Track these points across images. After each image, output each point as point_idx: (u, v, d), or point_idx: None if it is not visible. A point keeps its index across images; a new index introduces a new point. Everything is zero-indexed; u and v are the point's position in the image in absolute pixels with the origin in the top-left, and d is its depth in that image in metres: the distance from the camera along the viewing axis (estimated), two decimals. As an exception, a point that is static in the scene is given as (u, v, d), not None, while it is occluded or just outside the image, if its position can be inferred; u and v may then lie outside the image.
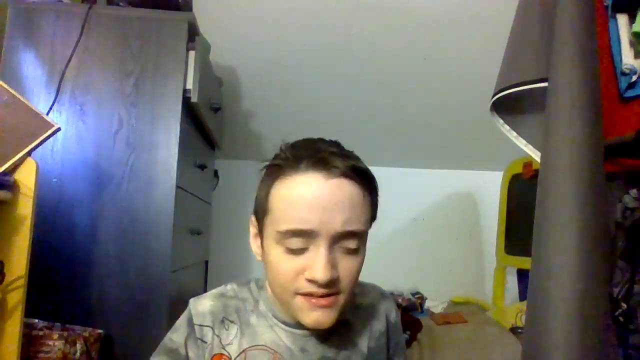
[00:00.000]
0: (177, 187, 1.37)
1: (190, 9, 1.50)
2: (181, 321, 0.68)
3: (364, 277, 0.70)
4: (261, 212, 0.67)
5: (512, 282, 2.52)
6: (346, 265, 0.62)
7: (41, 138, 1.02)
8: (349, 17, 1.91)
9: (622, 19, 0.92)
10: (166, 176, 1.35)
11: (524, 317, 2.52)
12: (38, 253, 1.02)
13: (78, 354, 1.14)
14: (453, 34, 1.94)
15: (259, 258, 0.68)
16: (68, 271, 1.29)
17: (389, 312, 0.75)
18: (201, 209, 1.86)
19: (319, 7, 1.86)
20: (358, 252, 0.63)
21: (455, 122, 2.33)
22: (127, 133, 1.35)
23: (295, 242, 0.61)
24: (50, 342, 1.08)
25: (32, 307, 1.02)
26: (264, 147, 2.56)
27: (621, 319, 0.78)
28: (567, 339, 0.73)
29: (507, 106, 1.04)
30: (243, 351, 0.64)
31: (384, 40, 1.99)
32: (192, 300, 0.70)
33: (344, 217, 0.60)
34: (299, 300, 0.62)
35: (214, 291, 0.71)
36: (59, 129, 1.05)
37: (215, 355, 0.64)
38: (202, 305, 0.68)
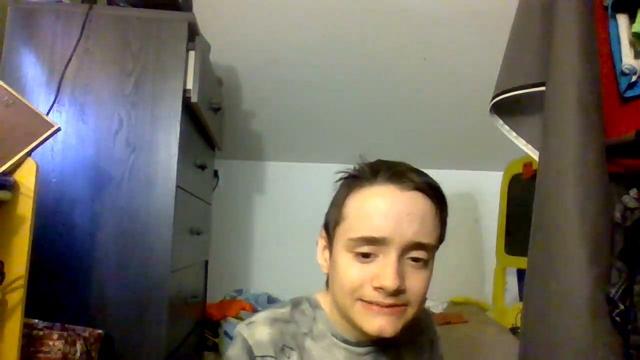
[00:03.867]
0: (177, 187, 1.37)
1: (190, 9, 1.50)
2: (238, 353, 0.66)
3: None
4: (334, 221, 0.68)
5: (512, 282, 2.52)
6: (414, 277, 0.63)
7: (41, 138, 1.02)
8: (349, 17, 1.91)
9: (622, 19, 0.91)
10: (166, 176, 1.35)
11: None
12: (38, 253, 1.02)
13: (78, 354, 1.15)
14: (453, 34, 1.94)
15: (325, 270, 0.70)
16: (68, 271, 1.29)
17: (430, 326, 0.77)
18: (201, 209, 1.86)
19: (319, 7, 1.86)
20: (427, 265, 0.65)
21: (456, 121, 2.33)
22: (127, 133, 1.35)
23: (366, 248, 0.62)
24: (50, 342, 1.08)
25: (32, 307, 1.02)
26: (264, 147, 2.57)
27: (618, 319, 0.78)
28: (582, 338, 0.73)
29: (506, 106, 1.04)
30: None
31: (384, 40, 1.99)
32: (243, 328, 0.67)
33: (415, 228, 0.62)
34: (363, 306, 0.62)
35: (265, 315, 0.69)
36: (59, 129, 1.05)
37: None
38: (260, 334, 0.66)
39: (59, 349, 1.09)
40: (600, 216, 0.80)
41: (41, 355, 1.07)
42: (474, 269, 2.76)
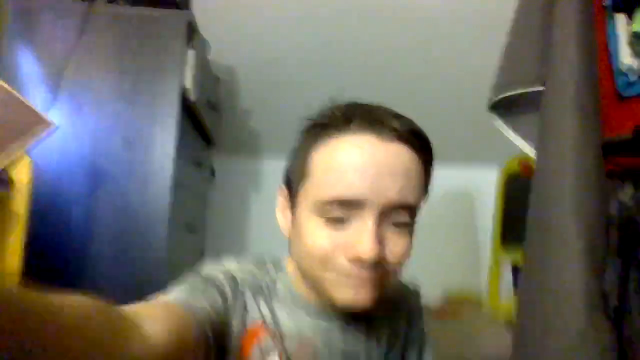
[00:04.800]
0: (174, 184, 1.37)
1: (188, 7, 1.50)
2: (216, 268, 0.57)
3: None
4: (297, 178, 0.57)
5: (508, 277, 2.53)
6: (395, 244, 0.52)
7: (38, 136, 1.02)
8: (348, 16, 1.91)
9: (620, 19, 0.92)
10: (163, 173, 1.35)
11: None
12: (33, 250, 1.02)
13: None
14: (451, 31, 1.94)
15: (285, 233, 0.59)
16: (63, 268, 1.29)
17: (412, 298, 0.67)
18: (197, 205, 1.86)
19: (318, 5, 1.86)
20: (410, 229, 0.54)
21: (454, 117, 2.34)
22: (124, 130, 1.35)
23: (338, 212, 0.51)
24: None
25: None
26: (262, 144, 2.56)
27: (612, 314, 0.79)
28: (576, 331, 0.73)
29: (505, 105, 1.05)
30: (275, 331, 0.57)
31: (383, 38, 1.99)
32: (214, 265, 0.59)
33: (397, 187, 0.51)
34: (334, 278, 0.52)
35: (233, 263, 0.60)
36: (56, 128, 1.05)
37: (250, 325, 0.55)
38: (234, 270, 0.58)
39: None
40: (597, 213, 0.80)
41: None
42: (470, 264, 2.77)
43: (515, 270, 2.65)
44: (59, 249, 1.29)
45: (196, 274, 0.56)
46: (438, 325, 2.40)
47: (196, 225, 1.75)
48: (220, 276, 0.56)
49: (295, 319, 0.58)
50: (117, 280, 1.30)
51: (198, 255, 1.97)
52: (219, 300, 0.53)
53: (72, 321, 0.29)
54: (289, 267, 0.62)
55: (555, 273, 0.79)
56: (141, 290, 1.31)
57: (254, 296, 0.57)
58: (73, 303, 0.31)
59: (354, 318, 0.59)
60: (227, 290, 0.55)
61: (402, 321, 0.66)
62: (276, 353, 0.56)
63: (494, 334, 2.21)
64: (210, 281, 0.55)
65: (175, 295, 0.50)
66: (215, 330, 0.50)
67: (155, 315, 0.42)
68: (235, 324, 0.55)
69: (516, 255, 2.41)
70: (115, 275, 1.30)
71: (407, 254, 0.54)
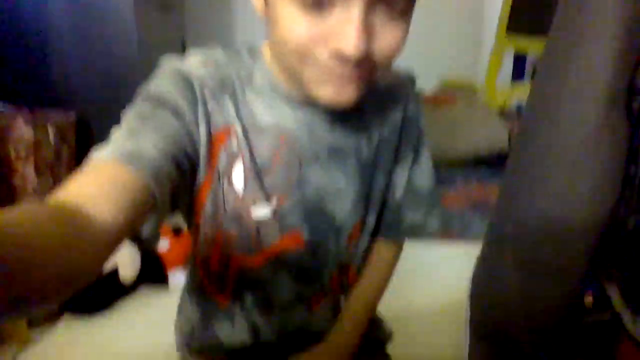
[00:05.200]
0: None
1: None
2: (169, 74, 0.48)
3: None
4: None
5: (508, 67, 2.43)
6: (387, 33, 0.43)
7: None
8: None
9: None
10: None
11: (514, 100, 2.51)
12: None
13: (51, 139, 1.10)
14: None
15: (260, 12, 0.48)
16: (20, 50, 1.16)
17: (408, 100, 0.59)
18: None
19: None
20: (406, 14, 0.44)
21: None
22: None
23: None
24: (17, 129, 1.02)
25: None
26: None
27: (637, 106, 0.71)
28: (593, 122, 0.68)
29: None
30: (246, 130, 0.50)
31: None
32: (171, 59, 0.50)
33: None
34: (313, 71, 0.44)
35: (196, 57, 0.51)
36: None
37: (220, 127, 0.48)
38: (194, 67, 0.49)
39: (29, 135, 1.04)
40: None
41: (11, 145, 1.02)
42: (470, 47, 2.63)
43: (517, 59, 2.52)
44: (10, 30, 1.14)
45: (145, 95, 0.47)
46: (430, 111, 2.39)
47: (172, 2, 1.54)
48: (172, 89, 0.47)
49: (274, 111, 0.51)
50: (83, 61, 1.20)
51: (178, 43, 1.79)
52: (173, 123, 0.45)
53: (22, 237, 0.26)
54: (267, 54, 0.52)
55: (581, 61, 0.69)
56: (115, 75, 1.23)
57: (216, 96, 0.49)
58: (15, 218, 0.27)
59: (343, 110, 0.50)
60: (181, 103, 0.46)
61: (395, 115, 0.57)
62: (240, 159, 0.50)
63: (488, 123, 2.20)
64: (160, 101, 0.46)
65: (117, 148, 0.40)
66: (177, 160, 0.44)
67: (98, 193, 0.35)
68: (201, 132, 0.47)
69: (520, 44, 2.25)
70: (80, 55, 1.19)
71: (399, 48, 0.45)
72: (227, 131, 0.49)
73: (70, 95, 1.23)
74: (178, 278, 1.30)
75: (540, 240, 0.84)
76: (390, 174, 0.58)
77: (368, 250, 0.61)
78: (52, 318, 1.14)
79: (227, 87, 0.49)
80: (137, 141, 0.41)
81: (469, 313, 0.97)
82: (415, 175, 0.60)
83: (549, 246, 0.84)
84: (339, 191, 0.54)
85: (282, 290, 0.55)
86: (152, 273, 1.28)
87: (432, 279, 1.37)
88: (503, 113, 2.27)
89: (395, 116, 0.57)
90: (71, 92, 1.23)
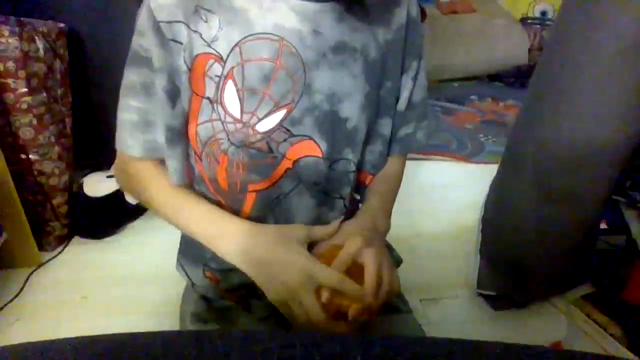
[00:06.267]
0: None
1: None
2: (142, 21, 0.47)
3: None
4: None
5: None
6: None
7: None
8: None
9: None
10: None
11: (536, 7, 2.33)
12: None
13: (41, 51, 1.03)
14: None
15: None
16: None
17: (411, 3, 0.55)
18: None
19: None
20: None
21: None
22: None
23: None
24: (3, 40, 0.95)
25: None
26: None
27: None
28: None
29: None
30: (236, 45, 0.46)
31: None
32: None
33: None
34: None
35: None
36: None
37: (197, 56, 0.46)
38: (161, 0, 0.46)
39: (16, 47, 0.96)
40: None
41: (-5, 55, 0.95)
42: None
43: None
44: None
45: (130, 55, 0.48)
46: (445, 22, 2.22)
47: None
48: (144, 40, 0.46)
49: (276, 10, 0.46)
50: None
51: None
52: (162, 80, 0.46)
53: None
54: None
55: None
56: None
57: (191, 21, 0.45)
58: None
59: (347, 5, 0.48)
60: (156, 52, 0.46)
61: (399, 17, 0.52)
62: (230, 80, 0.45)
63: (508, 34, 2.05)
64: (143, 61, 0.47)
65: (140, 145, 0.49)
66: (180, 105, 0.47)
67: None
68: (179, 65, 0.46)
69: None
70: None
71: None
72: (206, 57, 0.46)
73: (62, 7, 1.13)
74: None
75: (563, 162, 0.80)
76: (397, 82, 0.54)
77: (383, 163, 0.57)
78: (62, 241, 1.14)
79: (207, 2, 0.45)
80: (150, 132, 0.49)
81: (480, 237, 0.95)
82: (414, 87, 0.56)
83: (572, 169, 0.79)
84: (348, 94, 0.49)
85: (301, 211, 0.51)
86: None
87: (442, 202, 1.34)
88: (525, 20, 2.12)
89: (400, 16, 0.52)
90: (60, 1, 1.13)
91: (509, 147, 0.90)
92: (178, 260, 0.59)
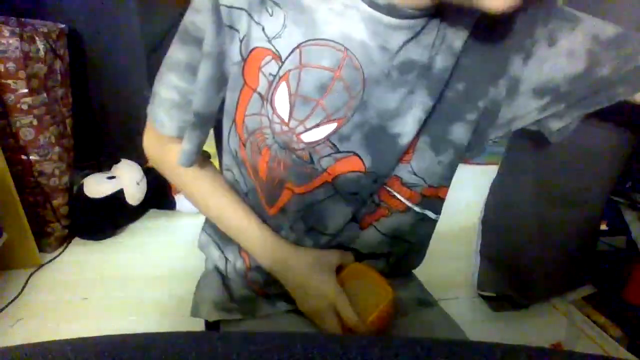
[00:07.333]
0: None
1: None
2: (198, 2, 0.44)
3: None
4: None
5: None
6: None
7: None
8: None
9: None
10: None
11: None
12: None
13: (42, 52, 1.03)
14: None
15: None
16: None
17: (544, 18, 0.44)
18: None
19: None
20: None
21: None
22: None
23: None
24: (4, 41, 0.95)
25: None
26: None
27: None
28: None
29: None
30: (297, 47, 0.42)
31: None
32: None
33: None
34: None
35: None
36: None
37: (254, 49, 0.43)
38: None
39: (16, 48, 0.96)
40: None
41: (-4, 55, 0.95)
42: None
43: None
44: None
45: (180, 30, 0.46)
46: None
47: None
48: (199, 18, 0.43)
49: (346, 18, 0.42)
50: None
51: None
52: (207, 64, 0.44)
53: None
54: None
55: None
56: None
57: (255, 11, 0.43)
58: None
59: (439, 23, 0.43)
60: (208, 35, 0.43)
61: (521, 48, 0.44)
62: (284, 83, 0.43)
63: None
64: (191, 38, 0.45)
65: (177, 125, 0.49)
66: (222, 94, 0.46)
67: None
68: (237, 54, 0.44)
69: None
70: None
71: None
72: (264, 51, 0.43)
73: (61, 8, 1.13)
74: (185, 203, 1.28)
75: (563, 164, 0.80)
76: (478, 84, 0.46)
77: (451, 175, 0.51)
78: (63, 242, 1.14)
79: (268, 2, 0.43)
80: (189, 112, 0.47)
81: (480, 238, 0.95)
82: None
83: (572, 170, 0.79)
84: (405, 110, 0.45)
85: (334, 214, 0.49)
86: (160, 198, 1.26)
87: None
88: None
89: (524, 42, 0.44)
90: (60, 2, 1.13)
91: (509, 149, 0.90)
92: (206, 236, 0.59)
